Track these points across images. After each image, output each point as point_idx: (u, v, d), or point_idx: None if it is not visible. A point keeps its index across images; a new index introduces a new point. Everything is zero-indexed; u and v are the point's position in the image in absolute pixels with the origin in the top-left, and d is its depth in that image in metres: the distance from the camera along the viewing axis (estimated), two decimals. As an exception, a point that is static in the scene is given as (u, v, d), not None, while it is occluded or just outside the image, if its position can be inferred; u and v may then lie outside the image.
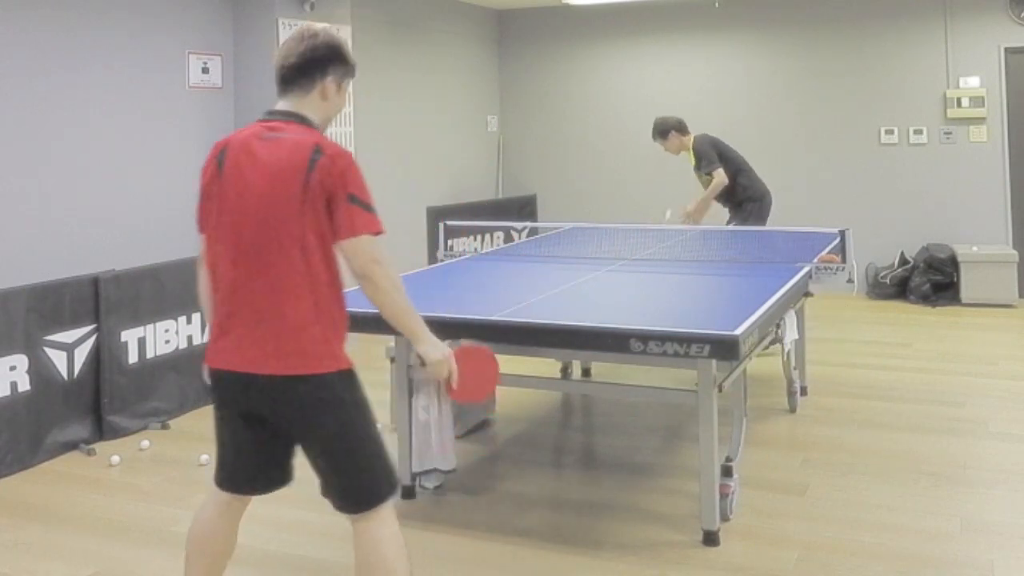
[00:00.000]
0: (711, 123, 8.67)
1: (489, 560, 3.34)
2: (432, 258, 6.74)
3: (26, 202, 4.91)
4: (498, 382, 2.88)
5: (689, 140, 6.32)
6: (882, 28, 8.15)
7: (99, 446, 4.62)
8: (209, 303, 2.53)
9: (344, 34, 6.60)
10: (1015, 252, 7.48)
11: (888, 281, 7.82)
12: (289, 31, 6.10)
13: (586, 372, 5.71)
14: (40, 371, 4.46)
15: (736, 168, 6.22)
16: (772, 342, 4.12)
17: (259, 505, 3.87)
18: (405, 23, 7.97)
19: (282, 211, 2.37)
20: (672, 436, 4.63)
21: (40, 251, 4.95)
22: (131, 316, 4.89)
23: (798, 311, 4.84)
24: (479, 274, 4.47)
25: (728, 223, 6.31)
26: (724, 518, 3.54)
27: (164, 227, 5.67)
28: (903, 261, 7.87)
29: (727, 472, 3.61)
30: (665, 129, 6.36)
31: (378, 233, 2.42)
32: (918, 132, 7.99)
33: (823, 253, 4.73)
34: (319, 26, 2.67)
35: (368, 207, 2.44)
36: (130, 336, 4.89)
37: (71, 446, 4.57)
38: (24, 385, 4.39)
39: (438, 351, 2.57)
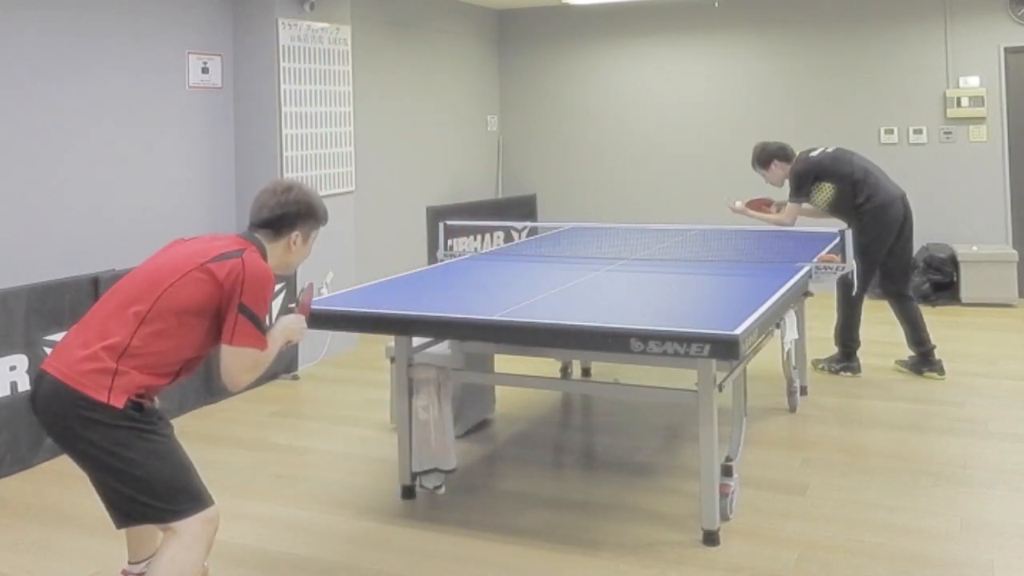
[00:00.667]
0: (711, 123, 8.68)
1: (489, 560, 3.34)
2: (432, 258, 6.74)
3: (26, 202, 4.91)
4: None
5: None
6: (882, 28, 8.15)
7: (99, 446, 4.62)
8: None
9: (344, 34, 6.60)
10: (1015, 252, 7.48)
11: (888, 281, 7.81)
12: (289, 31, 6.10)
13: (586, 372, 5.71)
14: (40, 371, 4.46)
15: (852, 182, 5.45)
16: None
17: (259, 505, 3.88)
18: (405, 23, 7.97)
19: (164, 275, 2.61)
20: (672, 436, 4.63)
21: (40, 251, 4.95)
22: (131, 316, 4.88)
23: (798, 311, 4.84)
24: (479, 274, 4.47)
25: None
26: (724, 518, 3.54)
27: (164, 227, 5.67)
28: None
29: (727, 472, 3.61)
30: (766, 157, 5.67)
31: (257, 347, 2.66)
32: (918, 132, 7.99)
33: (823, 253, 4.73)
34: (294, 183, 2.90)
35: (257, 321, 2.65)
36: (130, 336, 4.88)
37: (71, 446, 4.57)
38: (24, 385, 4.39)
39: (294, 332, 2.92)
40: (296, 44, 6.17)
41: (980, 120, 7.80)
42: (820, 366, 5.69)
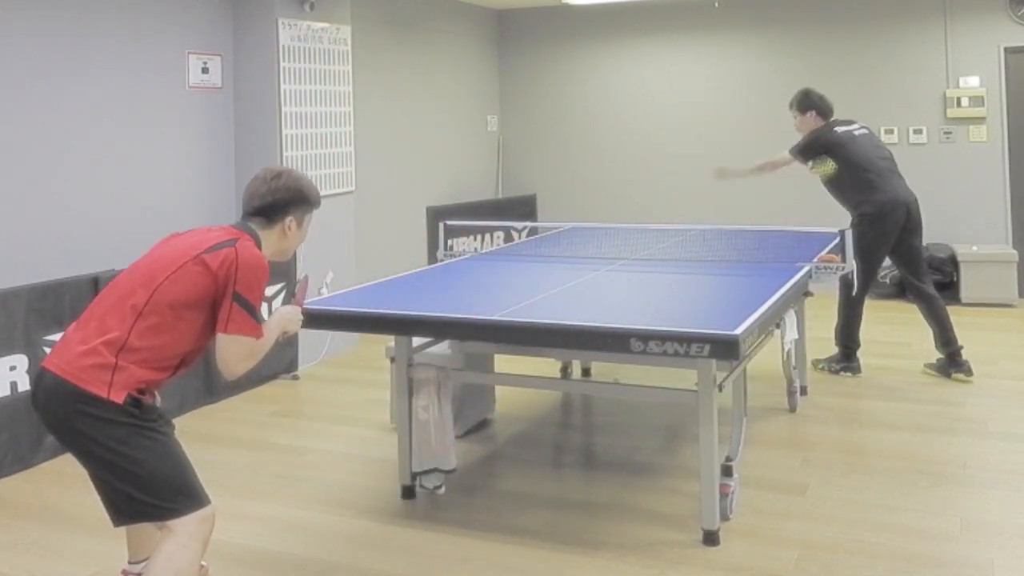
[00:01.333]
0: (711, 123, 8.68)
1: (489, 560, 3.34)
2: (432, 258, 6.74)
3: (26, 202, 4.91)
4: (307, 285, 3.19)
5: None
6: (882, 28, 8.14)
7: (99, 446, 4.62)
8: None
9: (344, 34, 6.60)
10: (1015, 252, 7.48)
11: (888, 281, 7.81)
12: (289, 31, 6.10)
13: (586, 372, 5.71)
14: (40, 371, 4.46)
15: (854, 172, 5.45)
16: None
17: (259, 505, 3.88)
18: (405, 23, 7.97)
19: (159, 269, 2.62)
20: (672, 436, 4.63)
21: (40, 251, 4.95)
22: (131, 316, 4.88)
23: (798, 311, 4.84)
24: (479, 274, 4.47)
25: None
26: (724, 518, 3.54)
27: (164, 227, 5.66)
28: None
29: (727, 472, 3.61)
30: (806, 104, 5.66)
31: (253, 335, 2.65)
32: (918, 132, 7.99)
33: (823, 253, 4.73)
34: (283, 169, 2.91)
35: (252, 310, 2.64)
36: (130, 336, 4.88)
37: (71, 446, 4.57)
38: (24, 385, 4.39)
39: (291, 323, 2.93)
40: (296, 44, 6.17)
41: (980, 120, 7.80)
42: (820, 366, 5.69)
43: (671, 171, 8.81)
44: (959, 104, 7.83)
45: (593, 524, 3.62)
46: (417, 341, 4.06)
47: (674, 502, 3.80)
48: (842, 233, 4.69)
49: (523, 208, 8.86)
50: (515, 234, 7.56)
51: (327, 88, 6.44)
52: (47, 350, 4.49)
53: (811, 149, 5.59)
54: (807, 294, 4.75)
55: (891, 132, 8.06)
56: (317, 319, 3.78)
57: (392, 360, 4.14)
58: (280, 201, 2.83)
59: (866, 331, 5.95)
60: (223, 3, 6.11)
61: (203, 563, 3.13)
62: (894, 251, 5.51)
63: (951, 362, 5.47)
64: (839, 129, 5.62)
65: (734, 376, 3.69)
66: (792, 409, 4.94)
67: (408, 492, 3.91)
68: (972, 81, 7.83)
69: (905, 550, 3.34)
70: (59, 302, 4.56)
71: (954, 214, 7.89)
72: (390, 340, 4.24)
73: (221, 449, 4.62)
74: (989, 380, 5.41)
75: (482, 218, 7.77)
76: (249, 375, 5.60)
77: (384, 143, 7.60)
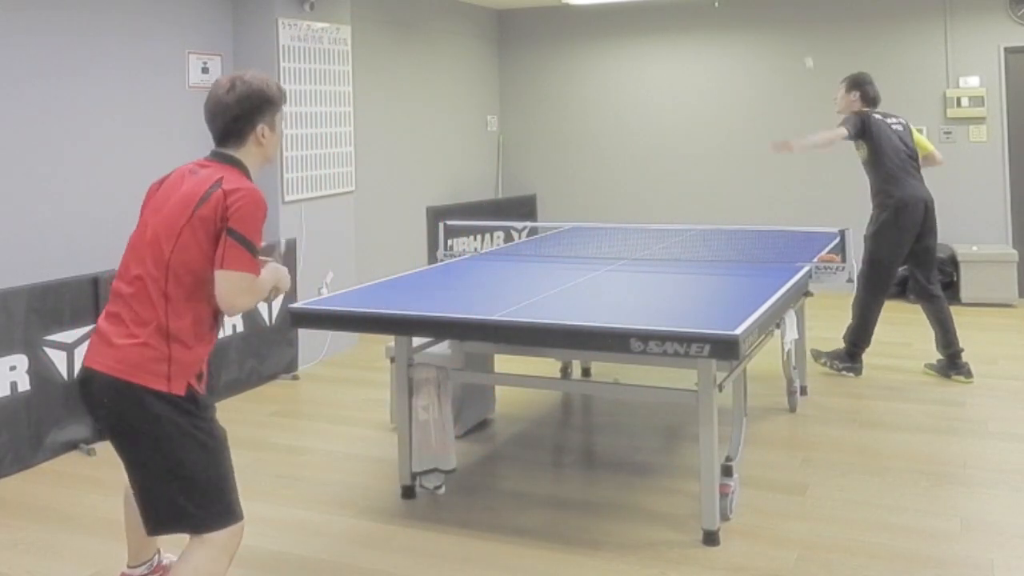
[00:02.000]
0: (711, 123, 8.68)
1: (489, 560, 3.34)
2: (432, 258, 6.74)
3: (26, 202, 4.91)
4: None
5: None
6: (882, 28, 8.14)
7: (99, 446, 4.62)
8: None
9: (344, 34, 6.60)
10: (1015, 252, 7.48)
11: (888, 281, 7.81)
12: (289, 31, 6.10)
13: (586, 372, 5.70)
14: (40, 371, 4.46)
15: (878, 158, 5.50)
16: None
17: (259, 505, 3.88)
18: (405, 23, 7.97)
19: (162, 232, 2.54)
20: (672, 436, 4.63)
21: (40, 251, 4.95)
22: (131, 316, 4.88)
23: (798, 311, 4.84)
24: (479, 274, 4.47)
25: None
26: (724, 518, 3.54)
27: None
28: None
29: (727, 472, 3.61)
30: (853, 84, 5.72)
31: (249, 271, 2.53)
32: (918, 132, 7.97)
33: (823, 253, 4.73)
34: (234, 76, 2.71)
35: (247, 244, 2.52)
36: (130, 336, 4.88)
37: (71, 446, 4.57)
38: (24, 385, 4.39)
39: (282, 280, 2.78)
40: (296, 44, 6.17)
41: (980, 120, 7.80)
42: (821, 360, 5.66)
43: (671, 171, 8.81)
44: (959, 104, 7.83)
45: (593, 524, 3.62)
46: (417, 341, 4.06)
47: (674, 502, 3.80)
48: (842, 233, 4.69)
49: (523, 208, 8.86)
50: (515, 234, 7.56)
51: (327, 88, 6.44)
52: (47, 350, 4.49)
53: (856, 127, 5.55)
54: (807, 294, 4.75)
55: (891, 132, 8.06)
56: (317, 319, 3.78)
57: (392, 360, 4.14)
58: (244, 112, 2.65)
59: (866, 331, 5.94)
60: (223, 3, 6.11)
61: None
62: (911, 250, 5.53)
63: (951, 364, 5.47)
64: (876, 116, 5.65)
65: (734, 376, 3.68)
66: (792, 409, 4.94)
67: (408, 492, 3.91)
68: (972, 81, 7.83)
69: (905, 550, 3.34)
70: (59, 302, 4.56)
71: (954, 214, 7.88)
72: (390, 340, 4.24)
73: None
74: (989, 380, 5.41)
75: (482, 218, 7.77)
76: (250, 375, 5.62)
77: (384, 143, 7.60)
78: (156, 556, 3.10)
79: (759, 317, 3.35)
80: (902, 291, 7.77)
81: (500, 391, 5.11)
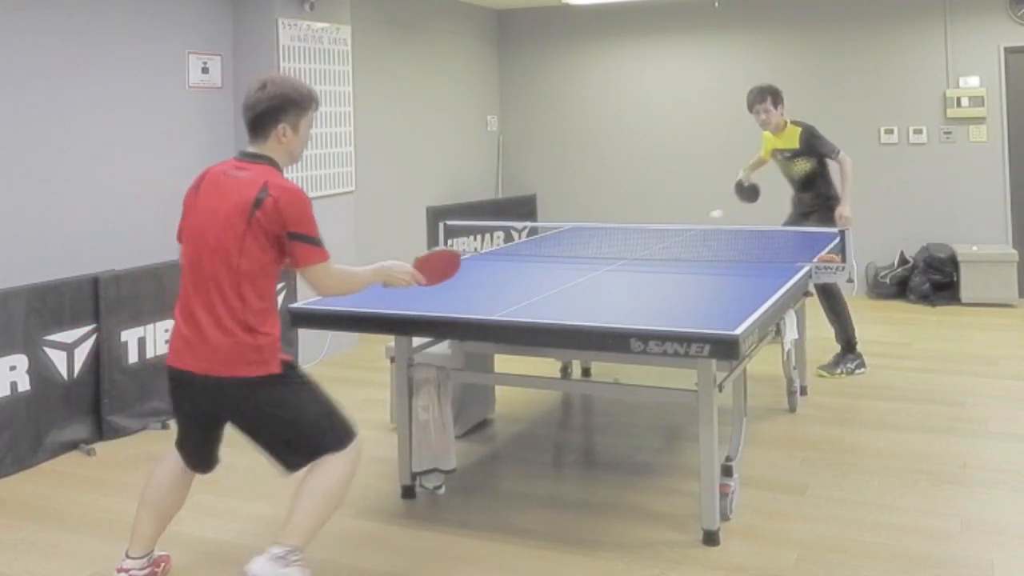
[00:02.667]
0: (711, 123, 8.68)
1: (489, 560, 3.34)
2: (432, 258, 6.72)
3: (26, 202, 4.91)
4: (458, 266, 3.42)
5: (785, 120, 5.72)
6: (882, 28, 8.14)
7: (99, 446, 4.63)
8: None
9: (344, 34, 6.60)
10: (1015, 252, 7.48)
11: (888, 281, 7.82)
12: (289, 31, 6.10)
13: (586, 372, 5.70)
14: (40, 371, 4.46)
15: (824, 168, 5.67)
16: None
17: (259, 505, 3.88)
18: (405, 23, 7.97)
19: (227, 241, 2.81)
20: (672, 436, 4.63)
21: (40, 251, 4.95)
22: (131, 316, 4.89)
23: (798, 311, 4.84)
24: (479, 274, 4.47)
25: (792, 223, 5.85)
26: (724, 518, 3.54)
27: (164, 227, 5.66)
28: (903, 261, 7.86)
29: (727, 472, 3.61)
30: (780, 97, 5.70)
31: (321, 261, 2.89)
32: (918, 132, 7.99)
33: (823, 253, 4.73)
34: (268, 78, 2.98)
35: (310, 240, 2.86)
36: (130, 336, 4.89)
37: (71, 446, 4.57)
38: (24, 385, 4.39)
39: (394, 277, 3.18)
40: (296, 44, 6.17)
41: (980, 120, 7.80)
42: (837, 372, 5.58)
43: (671, 171, 8.81)
44: (959, 104, 7.83)
45: (593, 524, 3.62)
46: (417, 341, 4.06)
47: (674, 502, 3.80)
48: (842, 233, 4.69)
49: (523, 208, 8.85)
50: (515, 234, 7.56)
51: (327, 88, 6.43)
52: (47, 350, 4.49)
53: (831, 144, 5.65)
54: (807, 294, 4.75)
55: (891, 132, 8.06)
56: (317, 319, 3.78)
57: (392, 360, 4.14)
58: (268, 110, 2.89)
59: (866, 331, 5.96)
60: (223, 3, 6.11)
61: (166, 553, 3.24)
62: None
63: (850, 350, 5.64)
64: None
65: (734, 376, 3.68)
66: (792, 409, 4.94)
67: (408, 492, 3.91)
68: (972, 81, 7.83)
69: (905, 550, 3.34)
70: (59, 302, 4.56)
71: (954, 214, 7.89)
72: (390, 340, 4.24)
73: (221, 449, 4.61)
74: (989, 380, 5.41)
75: (482, 218, 7.77)
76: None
77: (384, 143, 7.60)
78: (153, 550, 3.15)
79: (759, 317, 3.36)
80: (902, 291, 7.79)
81: (500, 391, 5.11)
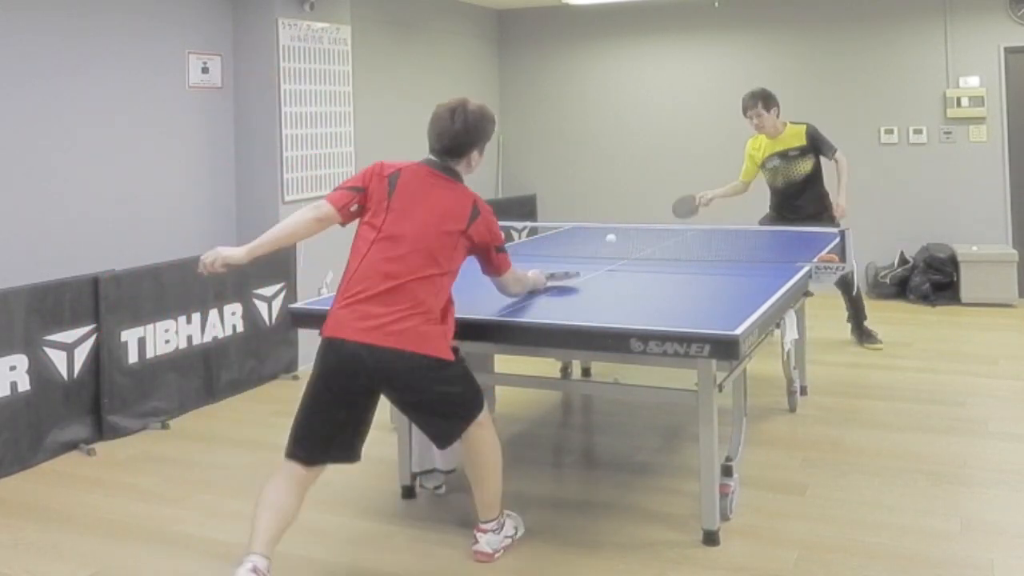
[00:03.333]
0: (711, 123, 8.68)
1: (489, 560, 3.34)
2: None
3: (26, 202, 4.91)
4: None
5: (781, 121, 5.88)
6: (882, 28, 8.14)
7: (99, 446, 4.63)
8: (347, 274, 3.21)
9: (344, 34, 6.60)
10: (1015, 252, 7.48)
11: (888, 281, 7.82)
12: (289, 31, 6.10)
13: (586, 372, 5.70)
14: (40, 371, 4.46)
15: (819, 168, 5.90)
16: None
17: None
18: (405, 23, 7.97)
19: (440, 243, 3.19)
20: (672, 436, 4.63)
21: (40, 251, 4.95)
22: (131, 316, 4.89)
23: (798, 311, 4.84)
24: (479, 274, 4.46)
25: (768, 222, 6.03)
26: (724, 518, 3.54)
27: (164, 227, 5.67)
28: (903, 261, 7.86)
29: (727, 472, 3.61)
30: (774, 102, 5.83)
31: (512, 267, 3.52)
32: (918, 132, 7.99)
33: (823, 253, 4.73)
34: (467, 104, 3.31)
35: (505, 249, 3.45)
36: (130, 336, 4.89)
37: (71, 446, 4.58)
38: (24, 385, 4.39)
39: (539, 285, 3.83)
40: (296, 44, 6.17)
41: (980, 120, 7.80)
42: (873, 342, 6.13)
43: (671, 171, 8.81)
44: (959, 104, 7.83)
45: (593, 524, 3.62)
46: (417, 341, 4.05)
47: (674, 502, 3.80)
48: (842, 233, 4.69)
49: (523, 208, 8.85)
50: (515, 234, 7.56)
51: (327, 88, 6.44)
52: (47, 350, 4.49)
53: (831, 143, 5.90)
54: (807, 294, 4.75)
55: (891, 132, 8.06)
56: (317, 319, 3.78)
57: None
58: (471, 140, 3.29)
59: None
60: (223, 3, 6.11)
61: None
62: None
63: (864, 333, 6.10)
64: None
65: (734, 376, 3.68)
66: (792, 409, 4.93)
67: (408, 492, 3.91)
68: (972, 81, 7.83)
69: (905, 550, 3.34)
70: (59, 302, 4.56)
71: (954, 214, 7.89)
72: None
73: (221, 449, 4.62)
74: (989, 380, 5.41)
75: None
76: (250, 375, 5.62)
77: (384, 143, 7.60)
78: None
79: (759, 317, 3.36)
80: (902, 291, 7.79)
81: (500, 391, 5.11)
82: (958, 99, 7.83)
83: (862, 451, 4.33)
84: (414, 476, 3.89)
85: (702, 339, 3.07)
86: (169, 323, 5.11)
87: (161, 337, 5.06)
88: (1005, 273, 7.42)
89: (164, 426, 4.92)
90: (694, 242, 5.42)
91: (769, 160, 5.88)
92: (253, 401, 5.41)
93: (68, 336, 4.60)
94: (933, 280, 7.58)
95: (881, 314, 7.23)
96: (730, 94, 8.63)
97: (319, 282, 6.03)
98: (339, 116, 6.56)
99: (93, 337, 4.71)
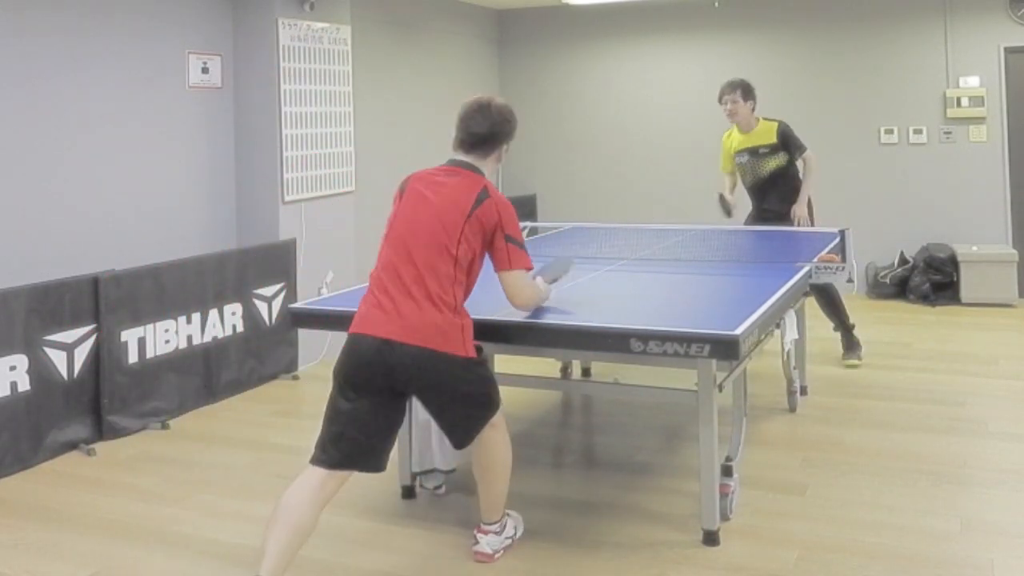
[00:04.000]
0: (711, 123, 8.67)
1: (489, 560, 3.34)
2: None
3: (26, 202, 4.91)
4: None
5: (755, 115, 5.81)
6: (882, 28, 8.14)
7: (99, 446, 4.63)
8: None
9: (344, 34, 6.60)
10: (1015, 252, 7.48)
11: (888, 281, 7.82)
12: (289, 31, 6.10)
13: (586, 372, 5.70)
14: (40, 371, 4.46)
15: (792, 163, 5.80)
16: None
17: (259, 505, 3.88)
18: (405, 23, 7.97)
19: (447, 231, 3.12)
20: (672, 436, 4.63)
21: (40, 251, 4.95)
22: (131, 316, 4.89)
23: (798, 311, 4.84)
24: (479, 274, 4.46)
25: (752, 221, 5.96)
26: (724, 518, 3.54)
27: (164, 227, 5.67)
28: (903, 261, 7.86)
29: (727, 472, 3.61)
30: (752, 93, 5.79)
31: (528, 269, 3.28)
32: (918, 132, 7.99)
33: (823, 253, 4.73)
34: (493, 101, 3.33)
35: (521, 245, 3.23)
36: (130, 336, 4.89)
37: (71, 446, 4.58)
38: (24, 385, 4.39)
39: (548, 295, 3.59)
40: (296, 44, 6.17)
41: (980, 120, 7.80)
42: (861, 353, 5.84)
43: (671, 171, 8.81)
44: (959, 104, 7.83)
45: (593, 524, 3.62)
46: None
47: (674, 502, 3.80)
48: (842, 233, 4.69)
49: (523, 208, 8.84)
50: (515, 234, 7.51)
51: (327, 88, 6.44)
52: (47, 350, 4.49)
53: (800, 142, 5.80)
54: (807, 294, 4.75)
55: (891, 132, 8.06)
56: (317, 319, 3.78)
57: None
58: (498, 134, 3.28)
59: (866, 331, 5.95)
60: (223, 3, 6.11)
61: None
62: None
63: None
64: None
65: (734, 376, 3.68)
66: (792, 409, 4.94)
67: (408, 492, 3.91)
68: (972, 81, 7.83)
69: (905, 550, 3.34)
70: (59, 302, 4.56)
71: (954, 214, 7.89)
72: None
73: (221, 449, 4.62)
74: (989, 380, 5.41)
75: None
76: (250, 375, 5.62)
77: (384, 143, 7.60)
78: None
79: (759, 317, 3.35)
80: (902, 291, 7.79)
81: (500, 391, 5.10)
82: (958, 99, 7.83)
83: (862, 451, 4.33)
84: (414, 476, 3.90)
85: (702, 339, 3.07)
86: (169, 323, 5.11)
87: (161, 337, 5.06)
88: (1005, 273, 7.42)
89: (164, 426, 4.92)
90: (694, 242, 5.42)
91: (739, 155, 5.86)
92: (253, 401, 5.41)
93: (68, 336, 4.60)
94: (933, 280, 7.58)
95: (881, 314, 7.23)
96: (730, 94, 8.63)
97: (319, 282, 6.03)
98: (339, 116, 6.56)
99: (93, 337, 4.71)
